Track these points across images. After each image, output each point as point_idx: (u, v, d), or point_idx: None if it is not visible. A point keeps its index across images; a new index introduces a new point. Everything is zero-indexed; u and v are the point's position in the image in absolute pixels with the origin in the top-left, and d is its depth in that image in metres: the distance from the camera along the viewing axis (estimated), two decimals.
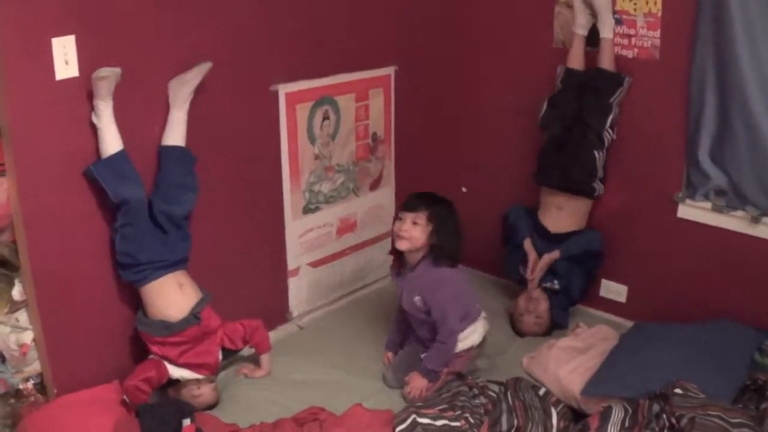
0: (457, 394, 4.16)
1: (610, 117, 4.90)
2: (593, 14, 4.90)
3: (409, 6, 5.46)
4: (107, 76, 3.85)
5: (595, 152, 4.93)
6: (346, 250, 5.59)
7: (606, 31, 4.89)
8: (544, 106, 5.14)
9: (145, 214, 4.16)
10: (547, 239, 5.18)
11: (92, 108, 3.91)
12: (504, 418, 4.03)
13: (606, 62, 4.91)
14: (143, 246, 4.12)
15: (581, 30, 4.98)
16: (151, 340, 4.21)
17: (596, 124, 4.91)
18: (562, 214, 5.17)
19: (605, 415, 3.83)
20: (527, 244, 5.20)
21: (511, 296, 5.38)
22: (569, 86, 5.04)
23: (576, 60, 5.04)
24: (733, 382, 4.08)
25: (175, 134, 4.25)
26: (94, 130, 3.95)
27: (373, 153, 5.55)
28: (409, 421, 3.94)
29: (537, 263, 5.12)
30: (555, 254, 5.09)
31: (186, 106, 4.25)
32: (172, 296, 4.21)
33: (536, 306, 5.06)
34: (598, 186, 5.03)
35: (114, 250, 4.13)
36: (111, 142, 3.99)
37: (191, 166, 4.35)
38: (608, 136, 4.93)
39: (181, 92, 4.20)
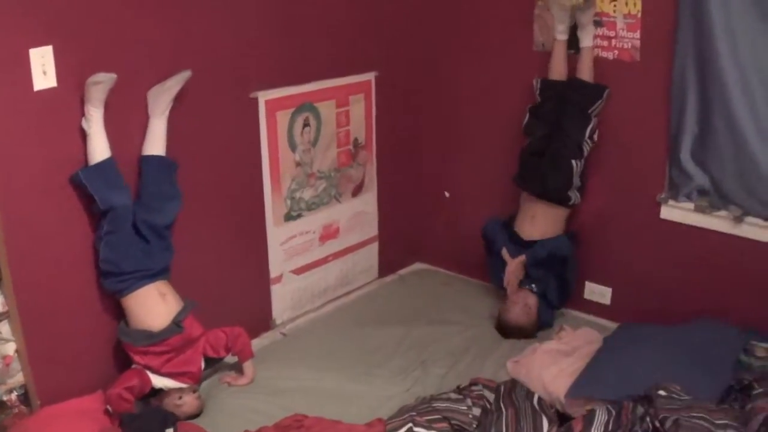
0: (451, 407, 4.15)
1: (590, 127, 4.93)
2: (573, 19, 4.92)
3: (388, 11, 5.45)
4: (101, 82, 3.86)
5: (573, 161, 4.94)
6: (329, 257, 5.57)
7: (586, 40, 4.91)
8: (527, 115, 5.17)
9: (130, 222, 4.15)
10: (522, 246, 5.21)
11: (71, 117, 3.91)
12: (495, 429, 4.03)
13: (585, 72, 4.93)
14: (127, 255, 4.11)
15: (562, 35, 4.99)
16: (134, 350, 4.20)
17: (576, 134, 4.93)
18: (536, 223, 5.20)
19: (589, 418, 3.83)
20: (504, 253, 5.22)
21: (497, 300, 5.37)
22: (549, 97, 5.07)
23: (557, 67, 5.05)
24: (718, 383, 4.08)
25: (156, 143, 4.24)
26: (73, 139, 3.95)
27: (355, 159, 5.54)
28: (404, 429, 3.94)
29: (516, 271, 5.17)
30: (521, 258, 5.12)
31: (166, 115, 4.23)
32: (153, 306, 4.20)
33: (525, 296, 5.09)
34: (575, 195, 5.04)
35: (96, 259, 4.13)
36: (100, 149, 3.99)
37: (173, 174, 4.33)
38: (588, 145, 4.95)
39: (161, 101, 4.18)
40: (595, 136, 4.95)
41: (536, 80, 5.13)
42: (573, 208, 5.17)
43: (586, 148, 4.97)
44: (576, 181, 5.01)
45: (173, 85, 4.19)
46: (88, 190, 3.98)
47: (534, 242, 5.15)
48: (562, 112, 4.99)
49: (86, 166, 4.01)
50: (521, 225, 5.28)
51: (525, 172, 5.21)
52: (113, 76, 3.89)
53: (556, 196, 5.07)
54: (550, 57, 5.07)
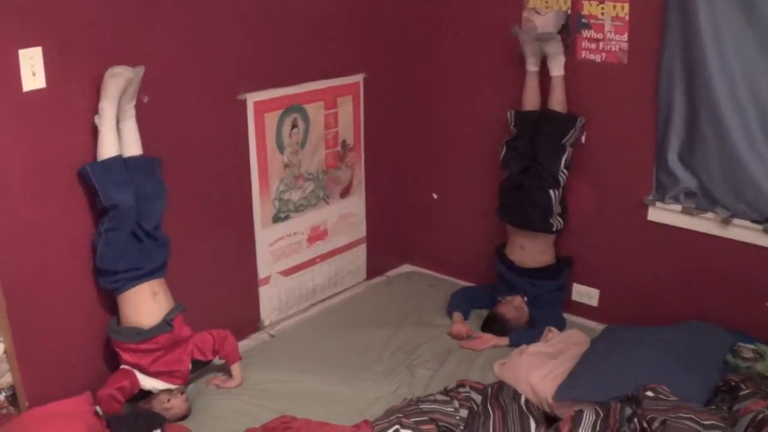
0: (438, 408, 4.14)
1: (564, 157, 4.99)
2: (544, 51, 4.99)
3: (376, 13, 5.46)
4: (120, 74, 3.89)
5: (551, 191, 5.01)
6: (317, 258, 5.56)
7: (556, 70, 4.95)
8: (503, 149, 5.22)
9: (132, 221, 4.14)
10: (516, 272, 5.29)
11: (60, 118, 3.91)
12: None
13: (557, 102, 4.98)
14: (123, 254, 4.12)
15: (533, 67, 5.05)
16: (124, 347, 4.19)
17: (550, 165, 4.98)
18: (525, 253, 5.28)
19: (576, 419, 3.83)
20: (456, 315, 5.33)
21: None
22: (523, 129, 5.12)
23: (531, 98, 5.11)
24: (705, 384, 4.09)
25: (133, 145, 4.19)
26: (62, 140, 3.94)
27: (343, 160, 5.53)
28: (391, 430, 3.94)
29: (460, 332, 5.16)
30: (504, 341, 5.04)
31: (133, 114, 4.17)
32: (145, 305, 4.21)
33: (519, 300, 5.20)
34: (556, 221, 5.09)
35: (85, 259, 4.13)
36: (109, 146, 4.01)
37: (156, 171, 4.31)
38: (563, 175, 4.99)
39: (123, 103, 4.12)
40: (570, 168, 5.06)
41: (510, 112, 5.18)
42: (557, 234, 5.23)
43: (562, 178, 5.02)
44: (556, 208, 5.07)
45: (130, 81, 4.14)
46: (93, 184, 3.99)
47: (529, 269, 5.25)
48: (536, 143, 5.04)
49: (94, 161, 4.03)
50: (512, 254, 5.36)
51: (506, 206, 5.28)
52: (133, 70, 3.96)
53: (539, 227, 5.14)
54: (523, 88, 5.11)
